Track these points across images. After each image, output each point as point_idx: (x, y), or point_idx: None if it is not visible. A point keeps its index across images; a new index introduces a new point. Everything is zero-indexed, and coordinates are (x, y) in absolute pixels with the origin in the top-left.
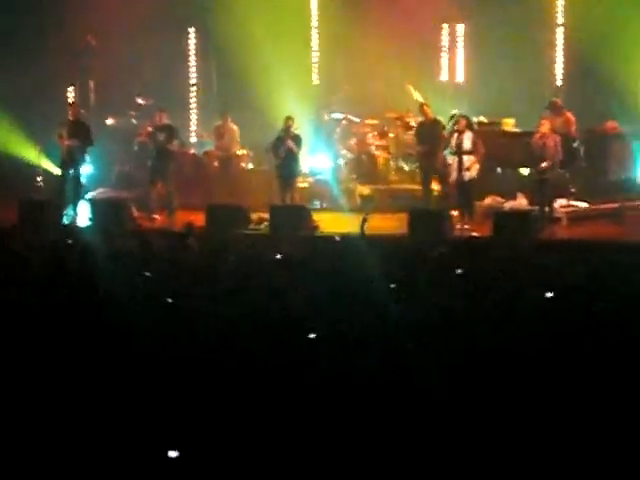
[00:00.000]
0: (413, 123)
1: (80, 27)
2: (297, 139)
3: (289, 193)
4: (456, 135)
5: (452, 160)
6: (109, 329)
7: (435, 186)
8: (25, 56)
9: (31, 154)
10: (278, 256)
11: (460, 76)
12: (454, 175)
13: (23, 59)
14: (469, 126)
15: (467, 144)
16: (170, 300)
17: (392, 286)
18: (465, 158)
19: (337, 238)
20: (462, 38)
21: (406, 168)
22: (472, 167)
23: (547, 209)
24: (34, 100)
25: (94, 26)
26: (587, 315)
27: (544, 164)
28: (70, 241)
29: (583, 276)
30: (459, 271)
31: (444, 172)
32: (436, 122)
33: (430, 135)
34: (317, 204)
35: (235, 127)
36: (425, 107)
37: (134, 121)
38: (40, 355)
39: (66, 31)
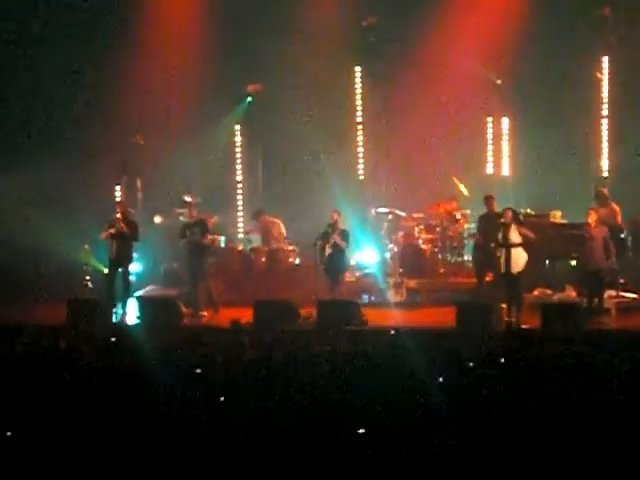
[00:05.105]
0: (459, 216)
1: (128, 126)
2: (344, 233)
3: (336, 288)
4: (503, 228)
5: (500, 253)
6: (160, 427)
7: (487, 277)
8: (73, 155)
9: (79, 253)
10: (327, 350)
11: (505, 169)
12: (502, 268)
13: (71, 158)
14: (515, 219)
15: (514, 237)
16: (222, 398)
17: (440, 380)
18: (512, 251)
19: (392, 332)
20: (507, 131)
21: (452, 261)
22: (520, 260)
23: (596, 300)
24: (82, 199)
25: (141, 125)
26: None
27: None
28: (119, 339)
29: (633, 369)
30: (503, 361)
31: (495, 264)
32: (498, 215)
33: (491, 228)
34: (365, 298)
35: (279, 221)
36: (490, 200)
37: (181, 219)
38: (90, 455)
39: (114, 130)
